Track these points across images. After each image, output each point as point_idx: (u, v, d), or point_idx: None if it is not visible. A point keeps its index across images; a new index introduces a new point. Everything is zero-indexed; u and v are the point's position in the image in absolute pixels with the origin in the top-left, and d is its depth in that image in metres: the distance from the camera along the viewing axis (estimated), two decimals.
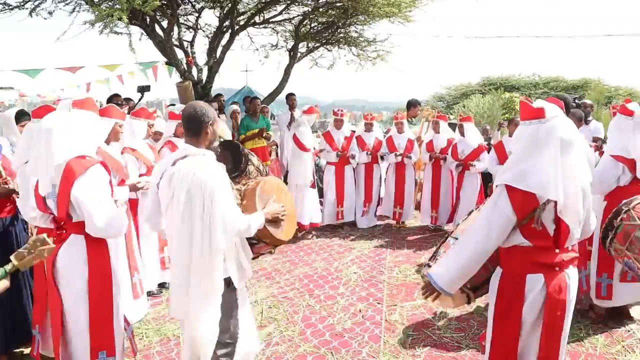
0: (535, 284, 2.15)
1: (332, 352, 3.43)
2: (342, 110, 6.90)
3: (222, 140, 5.90)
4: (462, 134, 6.30)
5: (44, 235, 1.66)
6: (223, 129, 6.26)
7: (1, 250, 3.21)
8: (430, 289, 2.29)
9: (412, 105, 7.47)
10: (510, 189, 2.12)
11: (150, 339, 3.66)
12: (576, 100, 5.80)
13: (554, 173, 2.05)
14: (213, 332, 2.34)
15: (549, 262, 2.15)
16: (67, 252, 2.50)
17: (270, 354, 3.43)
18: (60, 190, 2.46)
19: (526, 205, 2.09)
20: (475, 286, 2.40)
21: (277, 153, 7.78)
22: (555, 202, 2.08)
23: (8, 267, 1.41)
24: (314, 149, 6.72)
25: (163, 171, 2.38)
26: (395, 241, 6.17)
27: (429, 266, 2.53)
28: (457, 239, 2.55)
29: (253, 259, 2.75)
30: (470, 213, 2.79)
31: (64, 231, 2.52)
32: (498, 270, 2.28)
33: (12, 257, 1.41)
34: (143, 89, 7.20)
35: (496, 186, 2.22)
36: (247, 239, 2.58)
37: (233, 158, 5.74)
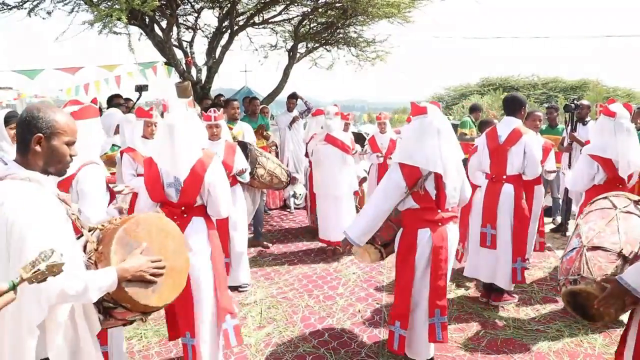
0: (424, 235, 2.91)
1: (331, 353, 3.43)
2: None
3: (236, 141, 5.88)
4: (382, 130, 6.76)
5: (62, 258, 1.39)
6: (241, 130, 6.21)
7: None
8: (346, 243, 3.05)
9: (475, 109, 7.89)
10: (401, 165, 2.90)
11: (149, 339, 3.66)
12: (574, 102, 5.80)
13: (434, 152, 2.81)
14: None
15: (433, 219, 2.91)
16: (193, 232, 2.92)
17: (270, 354, 3.43)
18: (190, 180, 2.85)
19: (412, 176, 2.86)
20: (386, 243, 3.12)
21: (276, 153, 7.80)
22: (435, 174, 2.84)
23: (16, 280, 1.33)
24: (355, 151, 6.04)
25: None
26: None
27: None
28: None
29: (123, 325, 2.04)
30: None
31: (185, 215, 2.95)
32: (401, 230, 3.02)
33: (20, 270, 1.32)
34: (141, 89, 7.19)
35: (391, 164, 2.98)
36: (101, 300, 1.80)
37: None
